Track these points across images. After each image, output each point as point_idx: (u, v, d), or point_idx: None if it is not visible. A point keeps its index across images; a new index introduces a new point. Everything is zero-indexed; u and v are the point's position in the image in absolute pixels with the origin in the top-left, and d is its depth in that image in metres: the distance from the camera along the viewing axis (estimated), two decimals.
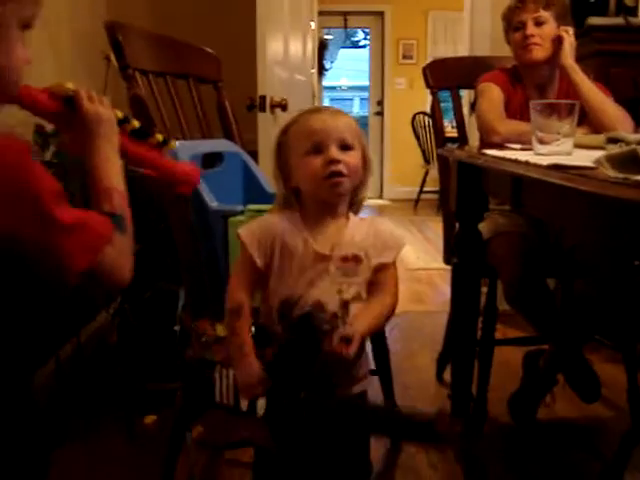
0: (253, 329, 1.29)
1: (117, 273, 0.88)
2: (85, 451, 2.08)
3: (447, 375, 2.36)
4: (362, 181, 1.30)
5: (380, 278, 1.31)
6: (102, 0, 3.14)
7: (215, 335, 1.48)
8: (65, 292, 0.89)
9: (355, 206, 1.33)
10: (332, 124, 1.24)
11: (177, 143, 1.72)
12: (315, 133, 1.23)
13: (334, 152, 1.22)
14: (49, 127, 2.13)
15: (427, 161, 7.71)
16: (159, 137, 1.15)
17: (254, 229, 1.28)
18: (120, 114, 1.08)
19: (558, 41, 2.16)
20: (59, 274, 0.80)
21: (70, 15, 2.76)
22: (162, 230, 2.04)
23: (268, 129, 2.64)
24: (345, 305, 1.26)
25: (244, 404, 1.30)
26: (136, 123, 1.12)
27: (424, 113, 7.49)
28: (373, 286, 1.31)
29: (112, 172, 0.97)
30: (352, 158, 1.24)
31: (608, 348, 2.58)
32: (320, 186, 1.23)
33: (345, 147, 1.23)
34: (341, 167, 1.22)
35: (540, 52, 2.17)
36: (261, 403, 1.27)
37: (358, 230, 1.30)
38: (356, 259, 1.27)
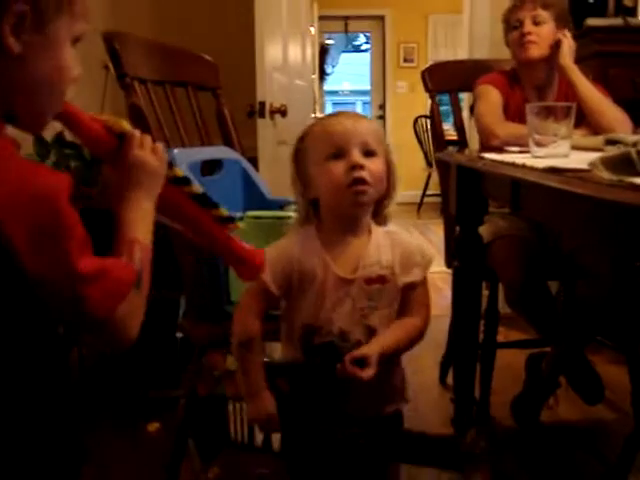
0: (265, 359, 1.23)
1: (126, 330, 0.83)
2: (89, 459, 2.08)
3: (450, 379, 2.36)
4: (388, 192, 1.21)
5: (409, 298, 1.22)
6: (105, 10, 3.15)
7: (226, 369, 1.45)
8: (85, 333, 0.86)
9: (380, 218, 1.24)
10: (354, 127, 1.14)
11: (176, 150, 1.73)
12: (336, 136, 1.13)
13: (357, 157, 1.12)
14: (49, 136, 2.14)
15: (429, 164, 7.71)
16: (223, 211, 1.01)
17: (269, 255, 1.16)
18: (180, 172, 0.99)
19: (556, 44, 2.16)
20: (80, 319, 0.78)
21: None
22: (162, 237, 2.04)
23: (267, 135, 2.64)
24: (371, 332, 1.18)
25: (259, 439, 1.26)
26: (198, 189, 1.00)
27: (426, 116, 7.48)
28: (401, 307, 1.22)
29: (141, 224, 0.91)
30: (376, 165, 1.14)
31: (611, 350, 2.57)
32: (342, 195, 1.13)
33: (368, 153, 1.14)
34: (365, 174, 1.12)
35: (536, 50, 2.17)
36: (276, 437, 1.23)
37: (383, 247, 1.20)
38: (382, 280, 1.17)
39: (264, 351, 1.23)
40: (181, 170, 1.00)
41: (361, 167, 1.11)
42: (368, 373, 1.11)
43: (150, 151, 0.95)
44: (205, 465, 1.34)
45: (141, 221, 0.92)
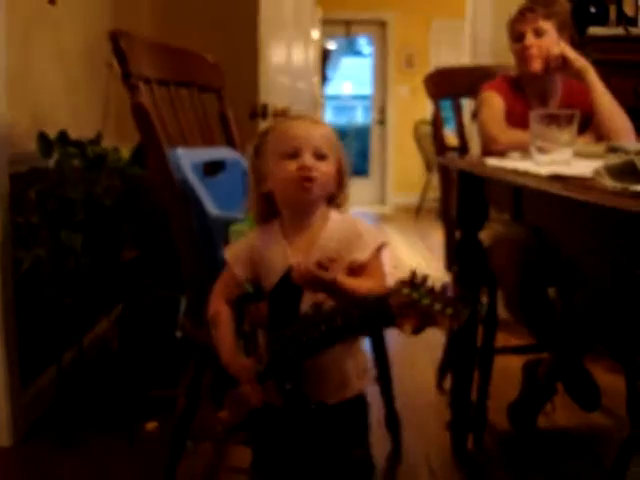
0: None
1: None
2: (87, 457, 2.09)
3: (448, 383, 2.36)
4: (340, 187, 1.33)
5: (358, 276, 1.25)
6: (109, 10, 3.15)
7: None
8: None
9: (334, 204, 1.33)
10: (311, 133, 1.29)
11: (180, 150, 1.74)
12: (294, 138, 1.28)
13: (308, 159, 1.26)
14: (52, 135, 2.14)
15: (429, 169, 7.73)
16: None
17: (235, 245, 1.37)
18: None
19: (562, 58, 2.15)
20: None
21: (79, 25, 2.78)
22: (164, 237, 2.05)
23: None
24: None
25: None
26: None
27: (426, 121, 7.50)
28: None
29: None
30: (324, 166, 1.28)
31: (608, 358, 2.58)
32: (291, 187, 1.27)
33: (320, 156, 1.28)
34: (313, 173, 1.26)
35: (538, 64, 2.17)
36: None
37: (335, 231, 1.29)
38: (331, 262, 1.21)
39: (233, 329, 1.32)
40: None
41: (309, 168, 1.26)
42: (330, 275, 1.17)
43: None
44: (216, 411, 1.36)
45: None
